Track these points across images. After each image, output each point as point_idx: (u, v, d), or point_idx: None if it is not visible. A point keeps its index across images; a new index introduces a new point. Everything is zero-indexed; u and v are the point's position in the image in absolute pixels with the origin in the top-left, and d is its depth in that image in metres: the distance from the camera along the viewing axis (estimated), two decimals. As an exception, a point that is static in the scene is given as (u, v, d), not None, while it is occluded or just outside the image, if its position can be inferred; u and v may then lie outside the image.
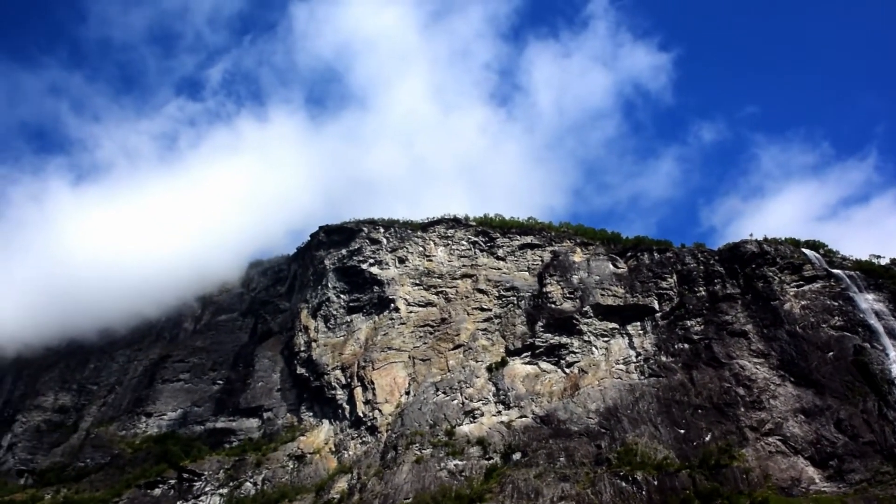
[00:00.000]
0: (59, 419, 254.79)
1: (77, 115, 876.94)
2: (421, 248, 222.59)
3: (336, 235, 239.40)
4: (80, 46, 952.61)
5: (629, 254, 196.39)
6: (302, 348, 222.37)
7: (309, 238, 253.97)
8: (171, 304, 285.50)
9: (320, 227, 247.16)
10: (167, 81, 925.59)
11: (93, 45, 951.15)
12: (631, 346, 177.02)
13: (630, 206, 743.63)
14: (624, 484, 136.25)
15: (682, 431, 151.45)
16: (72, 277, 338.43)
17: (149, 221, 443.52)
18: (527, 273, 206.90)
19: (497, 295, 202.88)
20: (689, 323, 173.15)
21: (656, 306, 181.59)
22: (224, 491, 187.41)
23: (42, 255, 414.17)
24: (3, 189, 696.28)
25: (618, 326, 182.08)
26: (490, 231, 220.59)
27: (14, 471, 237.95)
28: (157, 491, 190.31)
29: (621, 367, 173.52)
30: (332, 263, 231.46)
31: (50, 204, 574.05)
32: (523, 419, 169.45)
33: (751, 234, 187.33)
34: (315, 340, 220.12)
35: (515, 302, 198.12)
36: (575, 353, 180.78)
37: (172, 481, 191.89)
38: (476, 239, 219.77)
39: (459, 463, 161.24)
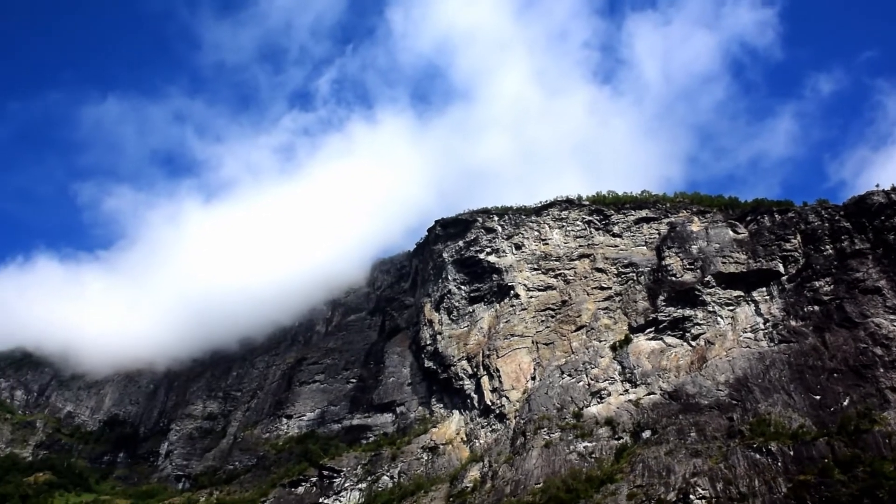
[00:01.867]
0: (209, 426, 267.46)
1: (201, 138, 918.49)
2: (536, 233, 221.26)
3: (452, 228, 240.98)
4: (197, 73, 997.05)
5: (749, 218, 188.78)
6: (428, 342, 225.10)
7: (426, 233, 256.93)
8: (303, 310, 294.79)
9: (436, 222, 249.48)
10: (279, 96, 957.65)
11: (209, 71, 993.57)
12: (758, 312, 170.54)
13: (750, 168, 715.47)
14: (758, 456, 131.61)
15: (818, 398, 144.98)
16: (211, 292, 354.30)
17: (276, 232, 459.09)
18: (644, 247, 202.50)
19: (616, 272, 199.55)
20: (817, 284, 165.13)
21: (781, 269, 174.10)
22: (363, 486, 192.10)
23: (181, 274, 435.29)
24: (142, 214, 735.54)
25: (742, 294, 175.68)
26: (604, 209, 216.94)
27: (172, 476, 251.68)
28: (301, 489, 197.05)
29: (749, 335, 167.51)
30: (450, 256, 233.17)
31: (184, 224, 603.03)
32: (651, 396, 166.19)
33: (877, 185, 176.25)
34: (440, 333, 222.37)
35: (635, 278, 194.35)
36: (700, 324, 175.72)
37: (314, 479, 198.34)
38: (590, 218, 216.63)
39: (588, 445, 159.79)
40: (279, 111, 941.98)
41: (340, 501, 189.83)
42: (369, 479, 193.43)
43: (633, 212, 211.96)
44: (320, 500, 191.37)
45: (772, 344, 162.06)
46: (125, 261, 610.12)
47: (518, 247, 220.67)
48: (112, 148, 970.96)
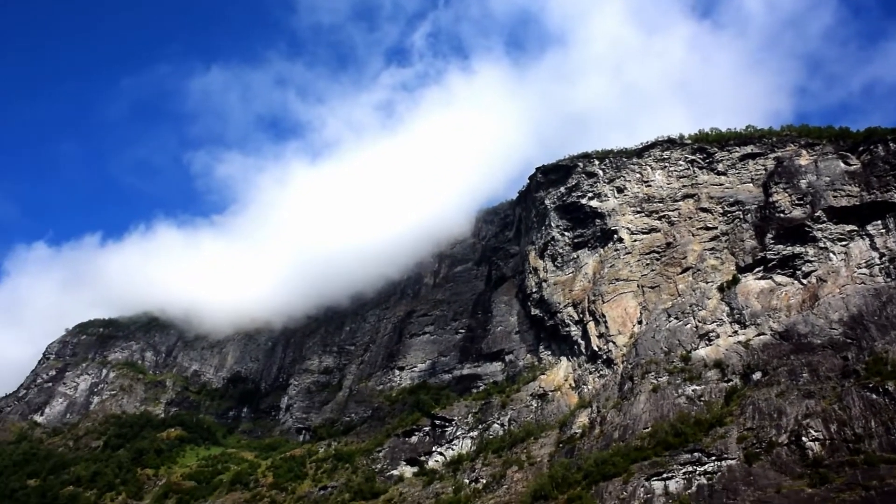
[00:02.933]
0: (325, 380, 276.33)
1: (303, 100, 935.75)
2: (638, 175, 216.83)
3: (553, 174, 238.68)
4: (295, 37, 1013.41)
5: (861, 148, 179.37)
6: (533, 289, 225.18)
7: (528, 181, 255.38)
8: (411, 264, 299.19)
9: (537, 169, 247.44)
10: (376, 53, 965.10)
11: (306, 33, 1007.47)
12: (873, 247, 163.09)
13: (863, 96, 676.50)
14: (874, 396, 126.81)
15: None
16: (321, 250, 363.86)
17: (381, 188, 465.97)
18: (750, 184, 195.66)
19: (721, 212, 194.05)
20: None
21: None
22: (474, 434, 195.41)
23: (293, 234, 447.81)
24: (252, 178, 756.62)
25: (856, 228, 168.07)
26: (707, 147, 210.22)
27: (293, 429, 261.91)
28: (414, 438, 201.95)
29: (864, 271, 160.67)
30: (552, 203, 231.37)
31: (293, 185, 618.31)
32: (761, 337, 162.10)
33: None
34: (545, 280, 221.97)
35: (741, 216, 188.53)
36: (811, 261, 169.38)
37: (426, 428, 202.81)
38: (694, 157, 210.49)
39: (697, 388, 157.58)
40: (377, 68, 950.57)
41: (452, 449, 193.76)
42: (480, 427, 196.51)
43: (737, 148, 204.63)
44: (433, 449, 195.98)
45: (888, 279, 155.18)
46: (239, 224, 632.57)
47: (620, 190, 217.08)
48: (219, 116, 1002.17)
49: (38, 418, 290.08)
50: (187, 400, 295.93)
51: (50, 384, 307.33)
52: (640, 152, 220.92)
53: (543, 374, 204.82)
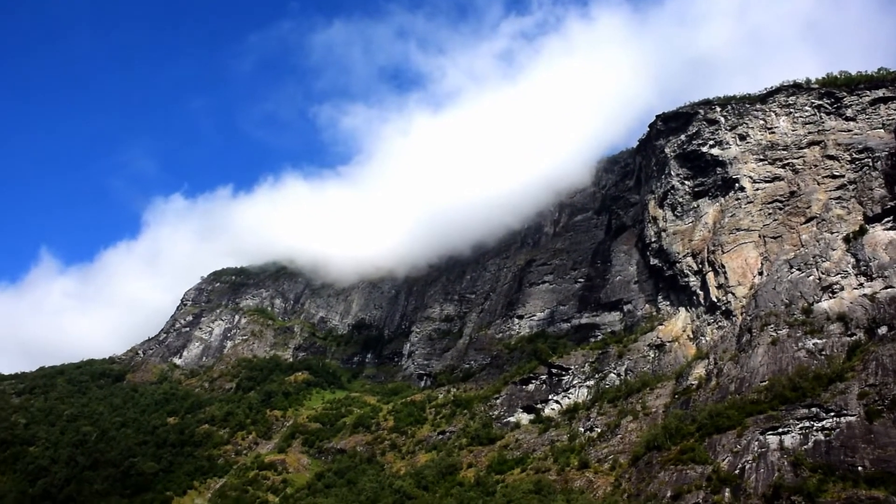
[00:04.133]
0: (446, 327, 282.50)
1: (424, 51, 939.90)
2: (761, 122, 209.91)
3: (673, 122, 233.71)
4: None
5: None
6: (652, 239, 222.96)
7: (648, 129, 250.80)
8: (531, 213, 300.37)
9: (657, 116, 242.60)
10: (496, 2, 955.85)
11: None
12: None
13: None
14: None
15: None
16: (444, 200, 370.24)
17: (502, 137, 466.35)
18: (881, 130, 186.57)
19: (849, 159, 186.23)
20: None
21: None
22: (590, 383, 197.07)
23: (416, 184, 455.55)
24: (376, 129, 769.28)
25: None
26: (835, 91, 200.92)
27: (415, 374, 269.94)
28: (531, 386, 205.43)
29: None
30: (672, 151, 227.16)
31: (415, 135, 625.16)
32: (889, 290, 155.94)
33: None
34: (664, 230, 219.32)
35: (871, 164, 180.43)
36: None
37: (543, 377, 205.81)
38: (820, 102, 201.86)
39: (818, 342, 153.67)
40: (496, 17, 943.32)
41: (569, 398, 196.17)
42: (596, 376, 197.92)
43: (868, 92, 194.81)
44: (549, 397, 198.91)
45: None
46: (364, 175, 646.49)
47: (742, 137, 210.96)
48: (343, 70, 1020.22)
49: (177, 361, 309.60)
50: (314, 345, 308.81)
51: (187, 329, 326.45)
52: (764, 98, 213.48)
53: (661, 324, 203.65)
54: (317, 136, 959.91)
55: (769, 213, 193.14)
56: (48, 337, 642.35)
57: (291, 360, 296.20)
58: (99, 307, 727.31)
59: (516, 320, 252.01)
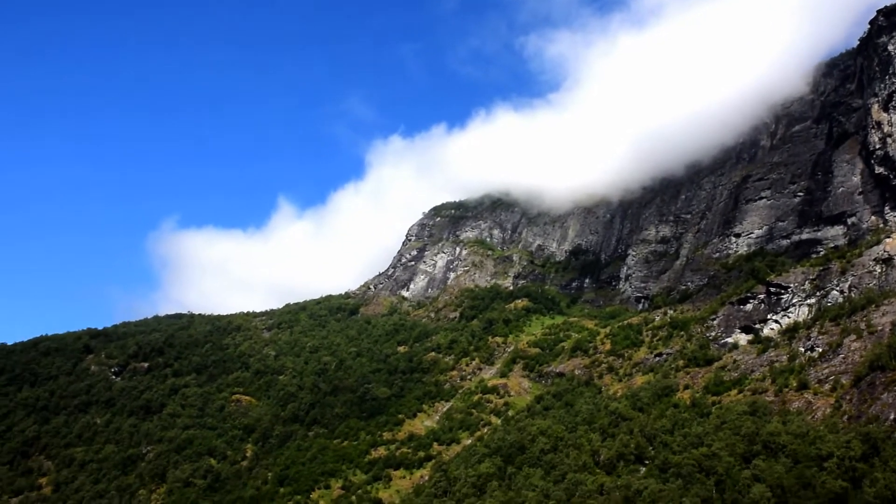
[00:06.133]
0: (662, 249, 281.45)
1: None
2: None
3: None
4: None
5: None
6: (877, 146, 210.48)
7: (868, 26, 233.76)
8: (745, 126, 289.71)
9: (878, 12, 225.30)
10: None
11: None
12: None
13: None
14: None
15: None
16: (654, 120, 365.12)
17: (709, 50, 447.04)
18: None
19: None
20: None
21: None
22: (810, 301, 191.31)
23: (625, 105, 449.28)
24: (581, 54, 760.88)
25: None
26: None
27: (632, 297, 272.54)
28: (749, 306, 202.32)
29: None
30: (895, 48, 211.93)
31: (621, 56, 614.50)
32: None
33: None
34: (889, 136, 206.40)
35: None
36: None
37: (761, 296, 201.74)
38: None
39: None
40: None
41: (788, 317, 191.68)
42: (817, 294, 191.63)
43: None
44: (768, 317, 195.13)
45: None
46: (573, 101, 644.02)
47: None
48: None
49: (405, 293, 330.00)
50: (532, 273, 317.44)
51: (412, 263, 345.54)
52: None
53: (889, 237, 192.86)
54: (524, 67, 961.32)
55: None
56: (291, 276, 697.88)
57: (511, 288, 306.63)
58: (333, 246, 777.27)
59: (733, 239, 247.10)
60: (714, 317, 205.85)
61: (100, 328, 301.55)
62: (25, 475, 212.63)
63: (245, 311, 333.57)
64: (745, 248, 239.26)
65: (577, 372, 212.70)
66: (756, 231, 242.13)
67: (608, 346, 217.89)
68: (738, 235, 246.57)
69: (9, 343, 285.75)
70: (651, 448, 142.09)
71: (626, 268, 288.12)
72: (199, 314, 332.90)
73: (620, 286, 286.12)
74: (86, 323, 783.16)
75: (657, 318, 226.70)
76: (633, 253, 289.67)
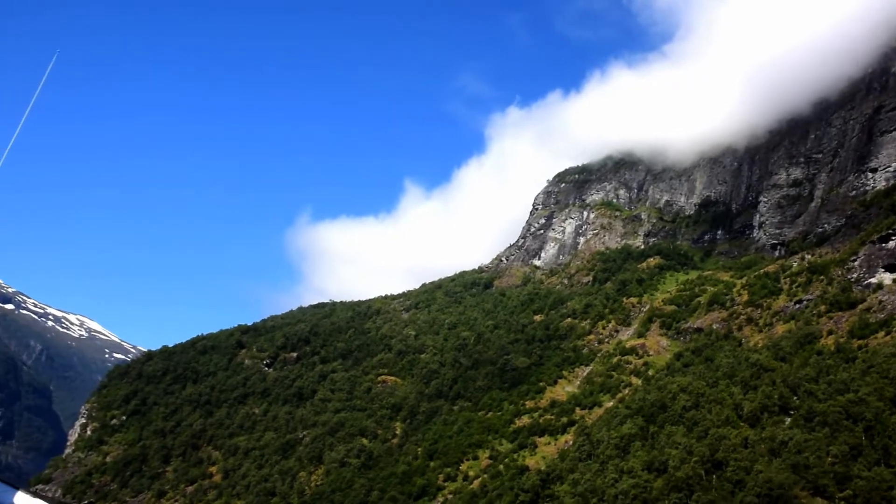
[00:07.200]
0: (795, 192, 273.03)
1: None
2: None
3: None
4: None
5: None
6: None
7: None
8: (873, 55, 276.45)
9: None
10: None
11: None
12: None
13: None
14: None
15: None
16: (775, 59, 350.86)
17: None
18: None
19: None
20: None
21: None
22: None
23: (742, 47, 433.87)
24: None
25: None
26: None
27: (767, 245, 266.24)
28: (891, 243, 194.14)
29: None
30: None
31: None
32: None
33: None
34: None
35: None
36: None
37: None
38: None
39: None
40: None
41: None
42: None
43: None
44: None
45: None
46: (688, 49, 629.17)
47: None
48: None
49: (537, 262, 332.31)
50: (663, 230, 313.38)
51: (541, 231, 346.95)
52: None
53: None
54: (634, 21, 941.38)
55: None
56: (424, 256, 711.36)
57: (642, 246, 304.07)
58: (462, 222, 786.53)
59: (869, 174, 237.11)
60: (854, 258, 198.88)
61: (249, 324, 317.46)
62: (197, 465, 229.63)
63: (383, 295, 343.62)
64: (884, 183, 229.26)
65: (715, 326, 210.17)
66: (894, 164, 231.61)
67: (745, 297, 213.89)
68: (874, 170, 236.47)
69: (170, 345, 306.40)
70: (795, 398, 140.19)
71: (758, 215, 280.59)
72: (340, 301, 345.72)
73: (754, 234, 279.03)
74: (237, 320, 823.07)
75: (795, 264, 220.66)
76: (765, 199, 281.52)
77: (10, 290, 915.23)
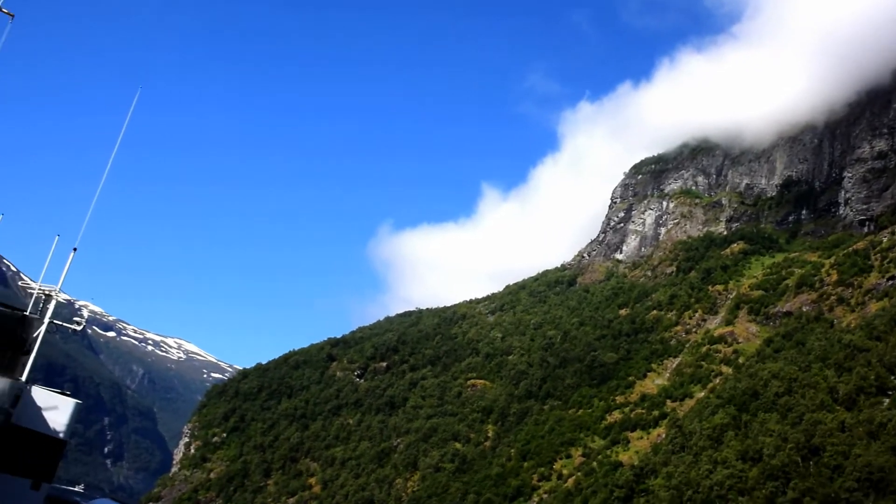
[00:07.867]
0: (880, 165, 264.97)
1: None
2: None
3: None
4: None
5: None
6: None
7: None
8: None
9: None
10: None
11: None
12: None
13: None
14: None
15: None
16: (850, 29, 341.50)
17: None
18: None
19: None
20: None
21: None
22: None
23: (815, 20, 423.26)
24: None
25: None
26: None
27: (855, 221, 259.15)
28: None
29: None
30: None
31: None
32: None
33: None
34: None
35: None
36: None
37: None
38: None
39: None
40: None
41: None
42: None
43: None
44: None
45: None
46: (759, 27, 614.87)
47: None
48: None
49: (619, 256, 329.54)
50: (745, 214, 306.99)
51: (621, 225, 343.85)
52: None
53: None
54: (700, 5, 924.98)
55: None
56: (506, 257, 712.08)
57: (725, 232, 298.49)
58: (542, 221, 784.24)
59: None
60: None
61: (339, 336, 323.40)
62: (296, 477, 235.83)
63: (468, 299, 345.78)
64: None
65: (804, 308, 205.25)
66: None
67: (835, 277, 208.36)
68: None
69: (263, 362, 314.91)
70: (893, 377, 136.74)
71: (843, 192, 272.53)
72: (426, 309, 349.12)
73: (840, 212, 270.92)
74: (326, 334, 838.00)
75: (885, 240, 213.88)
76: (849, 174, 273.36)
77: (111, 318, 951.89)
